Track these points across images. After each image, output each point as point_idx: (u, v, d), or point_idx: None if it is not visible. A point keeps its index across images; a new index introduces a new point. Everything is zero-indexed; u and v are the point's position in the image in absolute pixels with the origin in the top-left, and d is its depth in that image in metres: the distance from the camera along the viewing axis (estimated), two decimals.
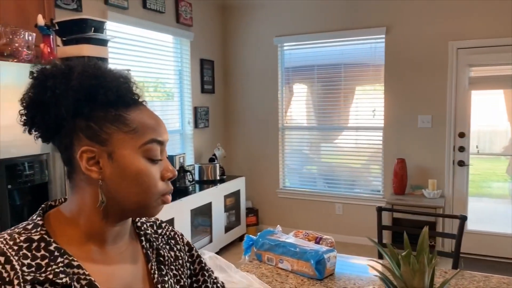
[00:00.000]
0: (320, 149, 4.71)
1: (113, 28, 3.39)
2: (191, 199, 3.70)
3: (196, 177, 4.19)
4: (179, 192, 3.74)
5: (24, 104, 0.69)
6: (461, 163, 3.93)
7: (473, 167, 3.98)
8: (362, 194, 4.44)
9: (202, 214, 3.99)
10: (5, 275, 0.61)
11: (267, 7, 4.63)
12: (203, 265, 0.93)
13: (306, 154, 4.81)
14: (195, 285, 0.91)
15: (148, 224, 0.87)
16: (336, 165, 4.61)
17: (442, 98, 3.96)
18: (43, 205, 0.75)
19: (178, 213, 3.48)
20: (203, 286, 0.92)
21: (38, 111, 0.69)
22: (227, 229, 4.27)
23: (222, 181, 4.24)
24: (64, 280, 0.65)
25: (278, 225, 1.94)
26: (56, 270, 0.65)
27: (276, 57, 4.66)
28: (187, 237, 3.58)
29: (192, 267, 0.91)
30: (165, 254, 0.85)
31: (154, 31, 3.85)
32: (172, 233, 0.91)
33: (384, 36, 4.13)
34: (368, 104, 4.36)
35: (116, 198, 0.71)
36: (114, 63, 3.36)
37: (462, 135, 3.92)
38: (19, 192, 1.97)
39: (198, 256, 0.93)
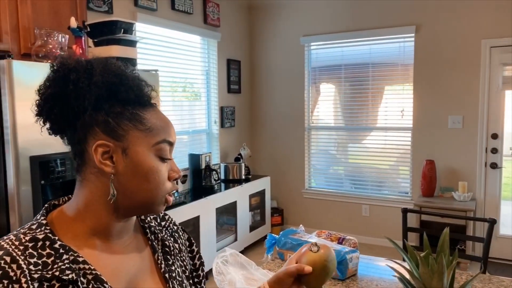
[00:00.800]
0: (347, 150, 4.66)
1: (142, 29, 3.48)
2: (217, 198, 3.74)
3: (222, 176, 4.23)
4: (205, 190, 3.79)
5: (41, 95, 0.71)
6: (494, 165, 3.80)
7: (507, 169, 3.84)
8: (390, 196, 4.37)
9: (227, 213, 4.03)
10: (11, 274, 0.63)
11: (294, 6, 4.62)
12: (202, 260, 0.94)
13: (333, 154, 4.77)
14: (196, 280, 0.92)
15: (151, 216, 0.89)
16: (363, 166, 4.55)
17: (474, 98, 3.84)
18: (46, 205, 0.77)
19: (203, 211, 3.52)
20: (203, 281, 0.93)
21: (57, 103, 0.70)
22: (252, 228, 4.29)
23: (247, 180, 4.27)
24: (70, 276, 0.66)
25: (301, 225, 1.94)
26: (62, 267, 0.67)
27: (302, 56, 4.65)
28: (212, 235, 3.63)
29: (192, 262, 0.92)
30: (171, 245, 0.86)
31: (182, 32, 3.92)
32: (175, 227, 0.92)
33: (413, 35, 4.04)
34: (396, 104, 4.28)
35: (125, 193, 0.73)
36: (143, 63, 3.44)
37: (495, 136, 3.79)
38: (52, 188, 2.05)
39: (198, 252, 0.94)
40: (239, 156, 4.52)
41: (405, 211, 2.26)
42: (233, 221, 4.05)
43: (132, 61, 2.50)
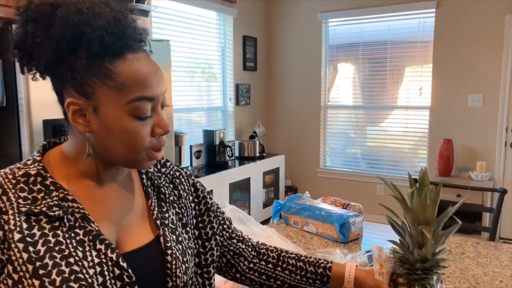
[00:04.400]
0: (362, 129, 4.60)
1: (157, 4, 3.49)
2: (230, 173, 3.78)
3: (236, 153, 4.25)
4: (219, 166, 3.83)
5: (13, 42, 0.67)
6: None
7: None
8: (406, 176, 4.31)
9: (240, 189, 4.06)
10: (1, 205, 0.65)
11: None
12: (209, 206, 0.91)
13: (348, 133, 4.73)
14: (200, 225, 0.89)
15: None
16: (380, 146, 4.49)
17: (496, 76, 3.72)
18: (45, 142, 0.77)
19: (217, 186, 3.56)
20: (208, 226, 0.90)
21: (23, 54, 0.67)
22: (265, 205, 4.32)
23: (261, 158, 4.28)
24: (57, 213, 0.66)
25: (307, 191, 1.94)
26: (51, 203, 0.67)
27: (320, 34, 4.58)
28: None
29: (197, 208, 0.90)
30: (167, 192, 0.84)
31: (198, 7, 3.91)
32: (177, 173, 0.89)
33: (434, 10, 3.92)
34: (415, 83, 4.19)
35: (103, 151, 0.70)
36: (157, 38, 3.46)
37: None
38: None
39: (205, 197, 0.91)
40: (254, 134, 4.53)
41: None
42: (247, 197, 4.08)
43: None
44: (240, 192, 4.10)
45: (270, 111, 5.01)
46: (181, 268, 0.78)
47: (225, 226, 0.96)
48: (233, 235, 0.97)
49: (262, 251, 0.99)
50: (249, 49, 4.59)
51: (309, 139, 4.79)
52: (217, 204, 0.96)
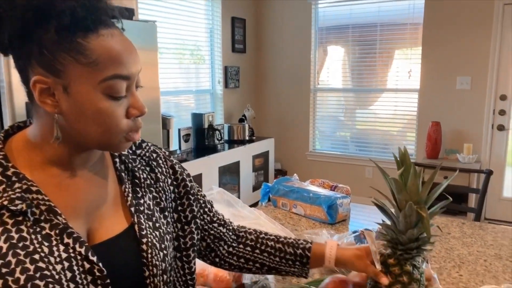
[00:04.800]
0: (352, 112, 4.61)
1: None
2: (219, 157, 3.76)
3: (225, 137, 4.23)
4: (208, 149, 3.81)
5: None
6: (501, 127, 3.73)
7: None
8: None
9: (230, 173, 4.06)
10: None
11: None
12: (188, 188, 0.87)
13: (338, 116, 4.73)
14: (179, 208, 0.86)
15: None
16: (369, 129, 4.51)
17: (484, 58, 3.73)
18: (7, 128, 0.72)
19: (206, 169, 3.55)
20: (188, 209, 0.87)
21: None
22: (255, 188, 4.32)
23: (251, 141, 4.27)
24: (19, 207, 0.61)
25: (295, 174, 1.94)
26: (12, 196, 0.62)
27: (309, 15, 4.53)
28: None
29: (176, 190, 0.86)
30: (142, 176, 0.80)
31: None
32: (154, 155, 0.84)
33: None
34: (404, 66, 4.18)
35: (74, 134, 0.65)
36: (143, 19, 3.39)
37: (503, 97, 3.70)
38: None
39: (184, 179, 0.87)
40: (243, 117, 4.51)
41: None
42: (236, 180, 4.08)
43: (129, 11, 2.45)
44: (229, 175, 4.09)
45: (260, 94, 4.97)
46: (158, 255, 0.75)
47: (206, 210, 0.92)
48: (214, 219, 0.94)
49: (241, 234, 0.97)
50: (238, 30, 4.52)
51: (298, 122, 4.78)
52: (197, 187, 0.92)
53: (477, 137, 3.84)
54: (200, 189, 0.94)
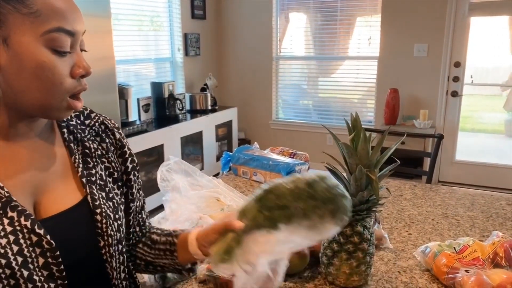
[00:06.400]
0: (314, 80, 4.64)
1: None
2: (181, 127, 3.71)
3: (187, 107, 4.16)
4: (169, 119, 3.74)
5: None
6: (454, 93, 3.88)
7: (469, 102, 3.93)
8: None
9: (193, 143, 4.03)
10: None
11: None
12: (134, 164, 0.85)
13: (300, 84, 4.75)
14: (128, 184, 0.84)
15: (73, 114, 0.78)
16: (331, 97, 4.56)
17: (440, 25, 3.81)
18: None
19: (168, 140, 3.50)
20: (134, 185, 0.85)
21: None
22: (218, 158, 4.32)
23: (213, 111, 4.23)
24: None
25: (256, 142, 1.95)
26: None
27: None
28: None
29: (124, 166, 0.83)
30: (92, 146, 0.78)
31: None
32: (102, 126, 0.82)
33: None
34: (365, 33, 4.22)
35: (13, 92, 0.61)
36: None
37: (457, 64, 3.82)
38: None
39: (131, 154, 0.85)
40: (205, 87, 4.44)
41: None
42: (199, 151, 4.06)
43: None
44: (192, 145, 4.06)
45: (221, 63, 4.89)
46: (113, 226, 0.75)
47: (141, 192, 0.91)
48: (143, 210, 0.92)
49: (146, 235, 0.93)
50: None
51: (261, 91, 4.76)
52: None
53: (433, 103, 3.98)
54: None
